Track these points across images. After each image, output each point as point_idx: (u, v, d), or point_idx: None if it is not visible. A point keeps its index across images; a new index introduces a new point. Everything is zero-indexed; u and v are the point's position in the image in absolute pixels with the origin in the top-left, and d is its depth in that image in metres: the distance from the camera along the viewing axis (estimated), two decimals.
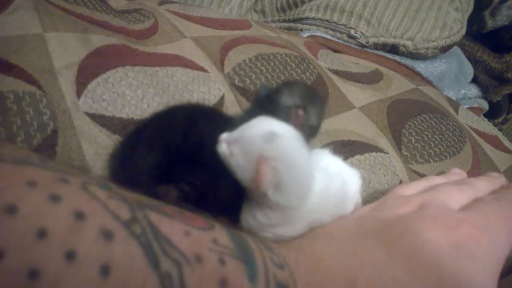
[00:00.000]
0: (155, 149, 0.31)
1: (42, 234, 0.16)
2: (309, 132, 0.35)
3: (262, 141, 0.27)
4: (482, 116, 0.89)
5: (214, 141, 0.29)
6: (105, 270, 0.17)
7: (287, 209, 0.29)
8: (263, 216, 0.29)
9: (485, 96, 0.96)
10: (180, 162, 0.31)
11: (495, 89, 0.93)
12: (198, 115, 0.34)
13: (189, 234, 0.21)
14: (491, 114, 0.99)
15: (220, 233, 0.22)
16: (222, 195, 0.30)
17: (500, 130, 0.95)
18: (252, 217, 0.29)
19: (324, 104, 0.36)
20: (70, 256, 0.16)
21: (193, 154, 0.30)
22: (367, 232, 0.29)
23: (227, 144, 0.28)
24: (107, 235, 0.18)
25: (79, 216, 0.18)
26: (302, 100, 0.34)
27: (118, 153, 0.33)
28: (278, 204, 0.28)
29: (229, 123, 0.33)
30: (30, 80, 0.35)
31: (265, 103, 0.35)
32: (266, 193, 0.27)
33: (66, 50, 0.39)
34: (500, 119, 1.01)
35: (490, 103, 0.96)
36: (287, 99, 0.34)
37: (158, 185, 0.30)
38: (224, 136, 0.29)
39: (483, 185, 0.37)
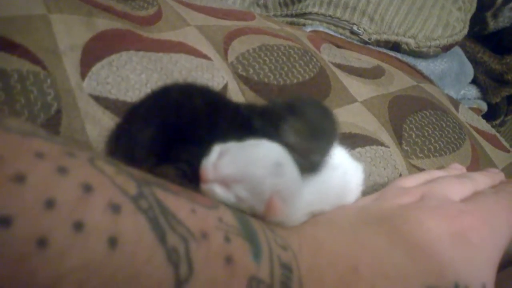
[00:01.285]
0: (152, 124, 0.31)
1: (50, 203, 0.16)
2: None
3: (273, 178, 0.25)
4: (480, 117, 0.89)
5: (209, 117, 0.28)
6: (112, 242, 0.17)
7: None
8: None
9: (484, 97, 0.96)
10: (177, 139, 0.30)
11: (495, 90, 0.94)
12: (192, 91, 0.33)
13: (195, 211, 0.21)
14: (489, 116, 1.00)
15: (225, 212, 0.23)
16: None
17: (497, 132, 0.95)
18: None
19: (333, 137, 0.31)
20: (78, 226, 0.16)
21: (188, 130, 0.30)
22: (368, 220, 0.29)
23: (224, 187, 0.25)
24: (115, 208, 0.18)
25: (87, 188, 0.18)
26: (300, 143, 0.29)
27: (115, 129, 0.33)
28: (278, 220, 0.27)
29: (225, 103, 0.32)
30: (35, 60, 0.35)
31: (263, 124, 0.32)
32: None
33: (70, 32, 0.39)
34: (498, 121, 1.01)
35: (488, 104, 0.97)
36: (285, 136, 0.29)
37: (157, 165, 0.29)
38: (211, 175, 0.25)
39: (483, 179, 0.37)
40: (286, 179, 0.25)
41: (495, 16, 0.91)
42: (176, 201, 0.21)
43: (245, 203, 0.25)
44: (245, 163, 0.25)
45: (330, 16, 0.75)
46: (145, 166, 0.23)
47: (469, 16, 0.81)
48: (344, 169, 0.32)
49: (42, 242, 0.16)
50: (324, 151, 0.30)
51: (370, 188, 0.41)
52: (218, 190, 0.24)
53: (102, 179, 0.19)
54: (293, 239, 0.26)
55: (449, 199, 0.32)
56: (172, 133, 0.30)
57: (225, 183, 0.24)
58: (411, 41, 0.74)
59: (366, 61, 0.63)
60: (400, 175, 0.44)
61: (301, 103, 0.29)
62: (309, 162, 0.29)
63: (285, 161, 0.26)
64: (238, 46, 0.49)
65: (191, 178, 0.26)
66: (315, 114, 0.29)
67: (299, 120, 0.28)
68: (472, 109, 0.89)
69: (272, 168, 0.25)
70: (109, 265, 0.17)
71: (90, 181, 0.18)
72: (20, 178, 0.16)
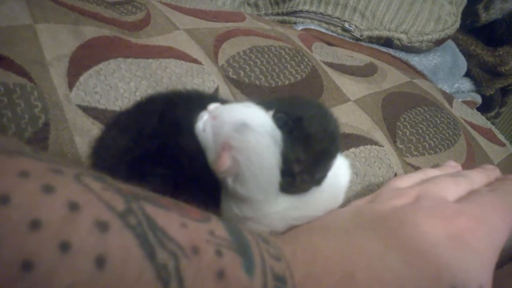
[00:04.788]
0: (129, 132, 0.30)
1: (35, 224, 0.16)
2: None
3: (232, 129, 0.27)
4: (475, 110, 0.89)
5: (191, 125, 0.28)
6: (100, 262, 0.17)
7: (252, 201, 0.28)
8: (236, 207, 0.28)
9: (478, 90, 0.96)
10: (155, 148, 0.29)
11: (488, 82, 0.93)
12: (177, 99, 0.32)
13: (186, 225, 0.20)
14: (484, 108, 1.00)
15: (217, 225, 0.22)
16: (197, 184, 0.29)
17: (492, 124, 0.95)
18: (229, 207, 0.29)
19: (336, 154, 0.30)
20: (64, 247, 0.16)
21: (169, 139, 0.29)
22: (363, 224, 0.29)
23: (208, 117, 0.28)
24: (102, 226, 0.17)
25: (73, 207, 0.17)
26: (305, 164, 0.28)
27: (96, 138, 0.32)
28: (236, 193, 0.27)
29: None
30: (21, 72, 0.34)
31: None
32: (226, 180, 0.27)
33: (57, 41, 0.38)
34: (492, 113, 1.02)
35: (483, 96, 0.97)
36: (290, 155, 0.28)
37: (129, 175, 0.28)
38: (212, 107, 0.28)
39: (479, 177, 0.37)
40: (243, 139, 0.26)
41: (486, 8, 0.90)
42: (166, 216, 0.20)
43: (206, 139, 0.27)
44: (228, 110, 0.28)
45: (321, 13, 0.75)
46: (116, 175, 0.22)
47: (460, 9, 0.81)
48: (334, 173, 0.32)
49: (27, 265, 0.15)
50: (328, 169, 0.30)
51: (366, 189, 0.41)
52: (205, 117, 0.28)
53: (89, 196, 0.19)
54: (287, 248, 0.25)
55: (445, 199, 0.31)
56: (149, 141, 0.29)
57: (211, 117, 0.28)
58: (403, 37, 0.74)
59: (358, 58, 0.63)
60: (395, 174, 0.44)
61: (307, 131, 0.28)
62: (314, 180, 0.29)
63: (255, 128, 0.27)
64: (229, 49, 0.48)
65: (164, 192, 0.25)
66: (318, 143, 0.29)
67: (301, 150, 0.28)
68: (466, 102, 0.89)
69: (238, 123, 0.27)
70: (97, 285, 0.16)
71: (77, 199, 0.18)
72: (4, 200, 0.16)
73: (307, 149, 0.28)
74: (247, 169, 0.26)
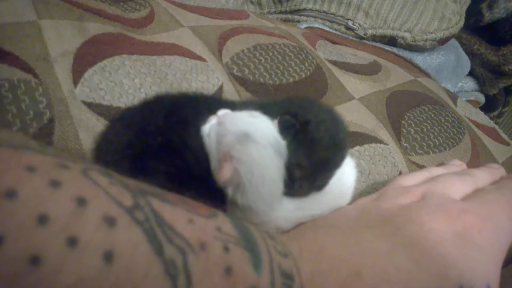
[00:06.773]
0: (133, 128, 0.30)
1: (43, 219, 0.16)
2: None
3: (234, 139, 0.26)
4: (478, 109, 0.89)
5: (197, 128, 0.28)
6: (108, 257, 0.16)
7: (253, 210, 0.27)
8: (240, 213, 0.28)
9: (481, 89, 0.96)
10: (158, 145, 0.29)
11: (492, 82, 0.93)
12: (185, 101, 0.32)
13: (193, 221, 0.20)
14: (487, 108, 1.00)
15: (224, 221, 0.22)
16: (202, 184, 0.29)
17: (495, 123, 0.95)
18: (233, 212, 0.29)
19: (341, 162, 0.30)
20: (72, 242, 0.16)
21: (174, 137, 0.29)
22: (369, 223, 0.29)
23: (216, 122, 0.28)
24: (110, 222, 0.17)
25: (81, 202, 0.17)
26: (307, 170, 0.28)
27: (100, 132, 0.32)
28: (236, 203, 0.27)
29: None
30: (26, 68, 0.34)
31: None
32: (226, 189, 0.27)
33: (61, 37, 0.38)
34: (496, 113, 1.01)
35: (486, 96, 0.97)
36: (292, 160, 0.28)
37: (131, 170, 0.28)
38: (222, 113, 0.28)
39: (484, 175, 0.37)
40: (245, 151, 0.26)
41: (490, 7, 0.90)
42: (173, 212, 0.20)
43: (210, 145, 0.27)
44: (232, 119, 0.28)
45: (324, 11, 0.75)
46: (119, 170, 0.22)
47: (464, 8, 0.80)
48: (340, 172, 0.31)
49: (35, 260, 0.15)
50: (329, 177, 0.29)
51: (370, 187, 0.41)
52: (212, 122, 0.28)
53: (96, 191, 0.18)
54: (294, 245, 0.25)
55: (450, 197, 0.31)
56: (154, 138, 0.29)
57: (218, 122, 0.28)
58: (407, 35, 0.73)
59: (362, 57, 0.63)
60: (400, 172, 0.44)
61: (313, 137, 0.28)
62: (313, 187, 0.29)
63: (258, 140, 0.27)
64: (233, 46, 0.48)
65: (168, 189, 0.25)
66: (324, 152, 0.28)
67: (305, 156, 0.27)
68: (470, 101, 0.89)
69: (240, 133, 0.27)
70: (105, 280, 0.16)
71: (84, 194, 0.18)
72: (11, 194, 0.16)
73: (310, 155, 0.27)
74: (248, 181, 0.26)
